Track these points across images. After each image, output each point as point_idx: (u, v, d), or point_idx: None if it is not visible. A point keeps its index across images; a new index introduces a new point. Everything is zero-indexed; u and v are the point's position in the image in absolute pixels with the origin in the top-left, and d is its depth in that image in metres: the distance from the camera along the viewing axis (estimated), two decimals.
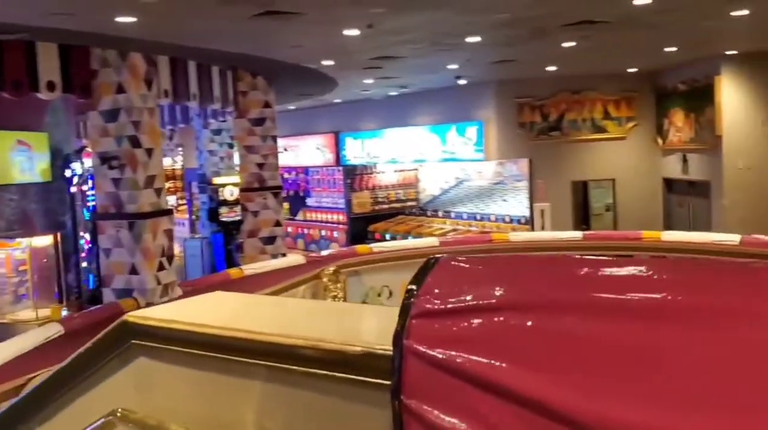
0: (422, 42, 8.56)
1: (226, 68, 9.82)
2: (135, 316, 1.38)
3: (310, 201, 17.07)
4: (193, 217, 16.30)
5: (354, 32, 7.59)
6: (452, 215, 14.63)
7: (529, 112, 13.29)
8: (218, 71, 9.59)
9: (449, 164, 14.62)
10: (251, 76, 10.37)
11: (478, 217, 13.92)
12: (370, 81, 12.39)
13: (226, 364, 1.21)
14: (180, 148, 19.66)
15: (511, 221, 13.10)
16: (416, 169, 15.86)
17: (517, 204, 13.21)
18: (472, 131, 13.60)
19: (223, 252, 13.10)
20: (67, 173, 9.91)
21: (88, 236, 10.30)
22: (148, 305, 6.99)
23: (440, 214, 15.02)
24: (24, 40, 6.80)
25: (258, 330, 1.16)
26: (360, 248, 10.11)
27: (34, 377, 5.08)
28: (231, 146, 13.86)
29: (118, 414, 1.38)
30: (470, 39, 8.57)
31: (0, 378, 5.06)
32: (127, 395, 1.42)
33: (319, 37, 7.79)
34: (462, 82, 12.89)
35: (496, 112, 13.42)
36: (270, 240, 10.76)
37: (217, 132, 13.74)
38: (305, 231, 16.69)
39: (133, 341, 1.39)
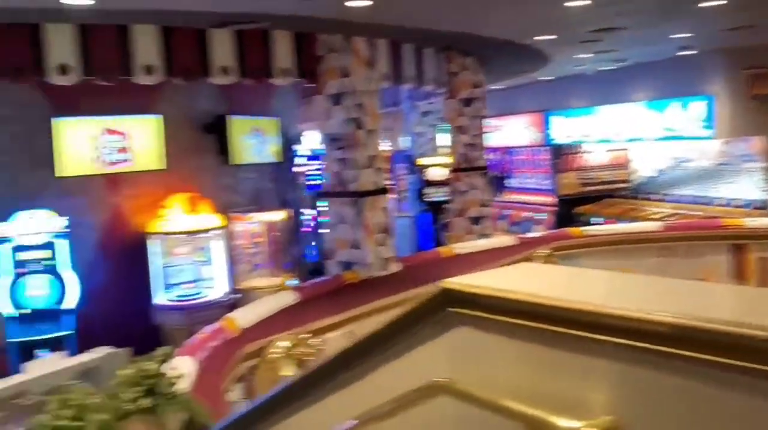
0: (650, 10, 7.95)
1: (440, 49, 9.89)
2: (455, 283, 1.35)
3: (512, 182, 16.80)
4: (399, 197, 16.79)
5: (577, 3, 7.23)
6: (669, 197, 13.58)
7: (765, 84, 11.88)
8: (433, 53, 9.69)
9: (667, 143, 13.56)
10: (462, 56, 10.35)
11: (699, 200, 12.80)
12: (585, 56, 11.80)
13: (567, 339, 1.13)
14: (388, 131, 20.31)
15: (742, 205, 11.86)
16: (627, 149, 14.92)
17: (748, 187, 11.93)
18: (697, 107, 12.47)
19: (430, 231, 13.34)
20: (294, 154, 10.65)
21: (309, 212, 10.99)
22: (368, 277, 7.26)
23: (655, 197, 14.01)
24: (262, 29, 7.32)
25: (613, 305, 1.07)
26: (572, 230, 9.75)
27: (276, 339, 5.51)
28: (436, 127, 14.02)
29: (439, 383, 1.37)
30: (704, 4, 7.80)
31: (247, 339, 5.56)
32: (442, 365, 1.40)
33: (540, 10, 7.54)
34: (687, 52, 11.84)
35: (726, 85, 12.17)
36: (477, 220, 10.74)
37: (425, 114, 13.96)
38: (508, 212, 16.47)
39: (450, 309, 1.37)
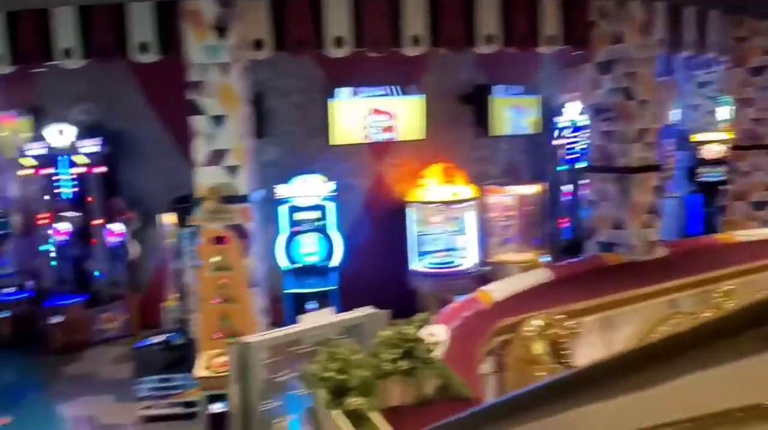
0: None
1: (727, 12, 8.78)
2: None
3: None
4: (665, 175, 15.45)
5: None
6: None
7: None
8: (717, 16, 8.64)
9: None
10: (754, 18, 9.08)
11: None
12: None
13: None
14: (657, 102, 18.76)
15: None
16: None
17: None
18: None
19: (700, 214, 12.08)
20: (553, 126, 10.27)
21: (567, 188, 10.56)
22: (631, 261, 6.74)
23: None
24: None
25: None
26: None
27: (530, 316, 5.36)
28: (715, 100, 12.59)
29: None
30: None
31: (499, 313, 5.49)
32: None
33: None
34: None
35: None
36: (761, 205, 9.49)
37: (703, 84, 12.59)
38: None
39: None
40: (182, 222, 6.94)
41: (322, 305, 7.80)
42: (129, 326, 9.10)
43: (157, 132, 9.04)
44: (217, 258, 6.09)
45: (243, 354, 3.60)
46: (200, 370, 5.60)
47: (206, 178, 6.18)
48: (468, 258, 8.77)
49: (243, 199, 6.20)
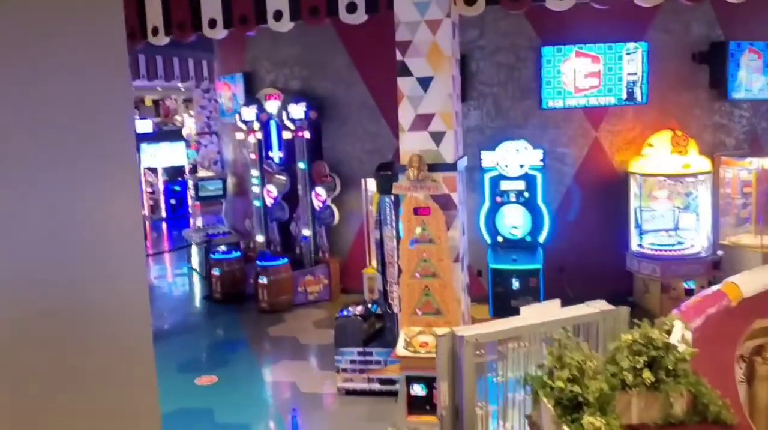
0: None
1: None
2: None
3: None
4: None
5: None
6: None
7: None
8: None
9: None
10: None
11: None
12: None
13: None
14: None
15: None
16: None
17: None
18: None
19: None
20: None
21: None
22: None
23: None
24: None
25: None
26: None
27: None
28: None
29: None
30: None
31: (752, 311, 4.56)
32: None
33: None
34: None
35: None
36: None
37: None
38: None
39: None
40: (384, 189, 6.66)
41: (525, 284, 7.22)
42: (329, 291, 9.17)
43: (361, 96, 8.90)
44: (420, 229, 5.73)
45: (454, 348, 3.17)
46: (400, 348, 5.31)
47: (411, 143, 5.81)
48: (697, 240, 7.66)
49: (449, 167, 5.75)
